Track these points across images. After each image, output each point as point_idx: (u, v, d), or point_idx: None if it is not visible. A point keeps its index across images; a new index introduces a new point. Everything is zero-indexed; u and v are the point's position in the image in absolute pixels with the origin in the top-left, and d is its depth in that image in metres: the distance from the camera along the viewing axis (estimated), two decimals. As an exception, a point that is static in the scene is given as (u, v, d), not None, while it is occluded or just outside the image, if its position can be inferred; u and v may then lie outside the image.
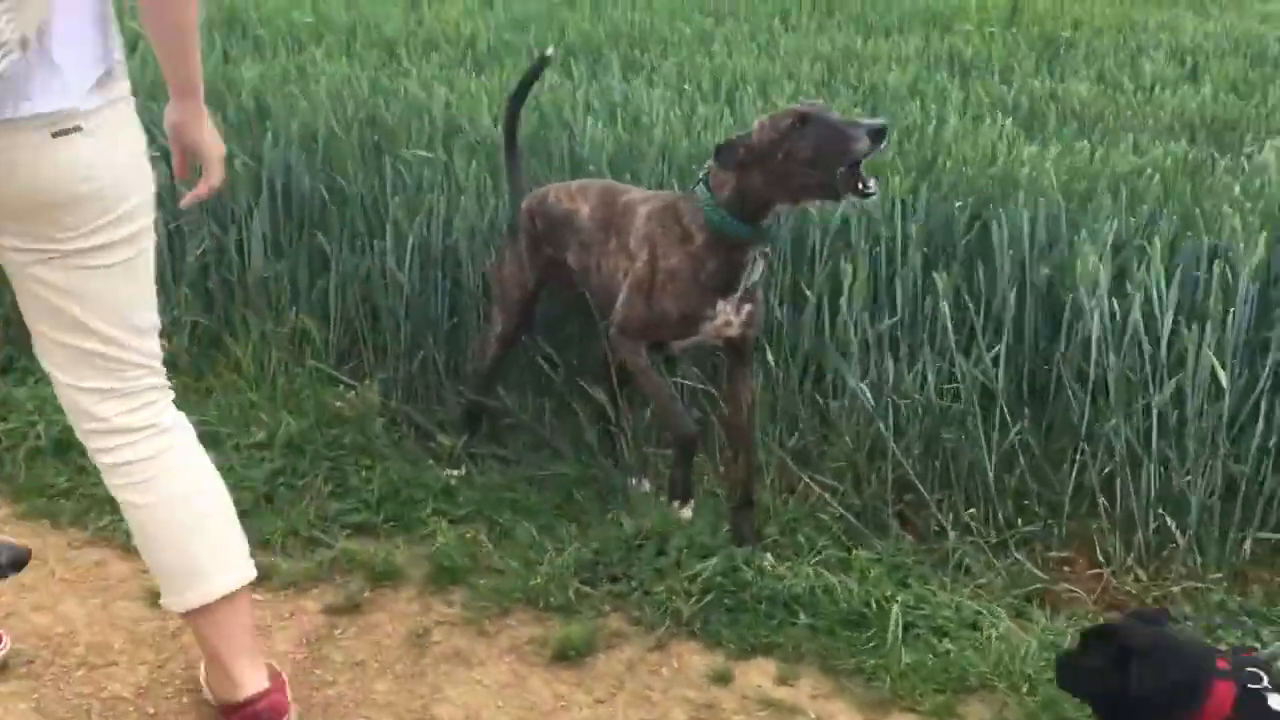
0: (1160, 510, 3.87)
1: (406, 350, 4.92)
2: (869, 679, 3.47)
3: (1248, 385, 3.89)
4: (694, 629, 3.68)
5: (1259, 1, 12.90)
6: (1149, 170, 4.82)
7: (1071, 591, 3.90)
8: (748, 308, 3.81)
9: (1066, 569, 4.03)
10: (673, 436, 4.12)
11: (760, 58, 8.16)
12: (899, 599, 3.67)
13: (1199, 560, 3.82)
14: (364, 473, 4.39)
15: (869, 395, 4.07)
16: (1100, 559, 3.96)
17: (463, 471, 4.52)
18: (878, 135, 3.44)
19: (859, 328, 4.13)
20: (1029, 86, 7.40)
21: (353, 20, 9.32)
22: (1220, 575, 3.77)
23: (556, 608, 3.75)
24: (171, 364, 5.01)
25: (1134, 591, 3.86)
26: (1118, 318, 3.95)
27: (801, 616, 3.67)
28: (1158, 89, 7.53)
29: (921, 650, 3.54)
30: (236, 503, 3.91)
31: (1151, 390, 3.86)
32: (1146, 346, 3.91)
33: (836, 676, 3.49)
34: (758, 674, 3.52)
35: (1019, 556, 4.02)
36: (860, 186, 3.50)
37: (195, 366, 5.04)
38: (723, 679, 3.49)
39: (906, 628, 3.59)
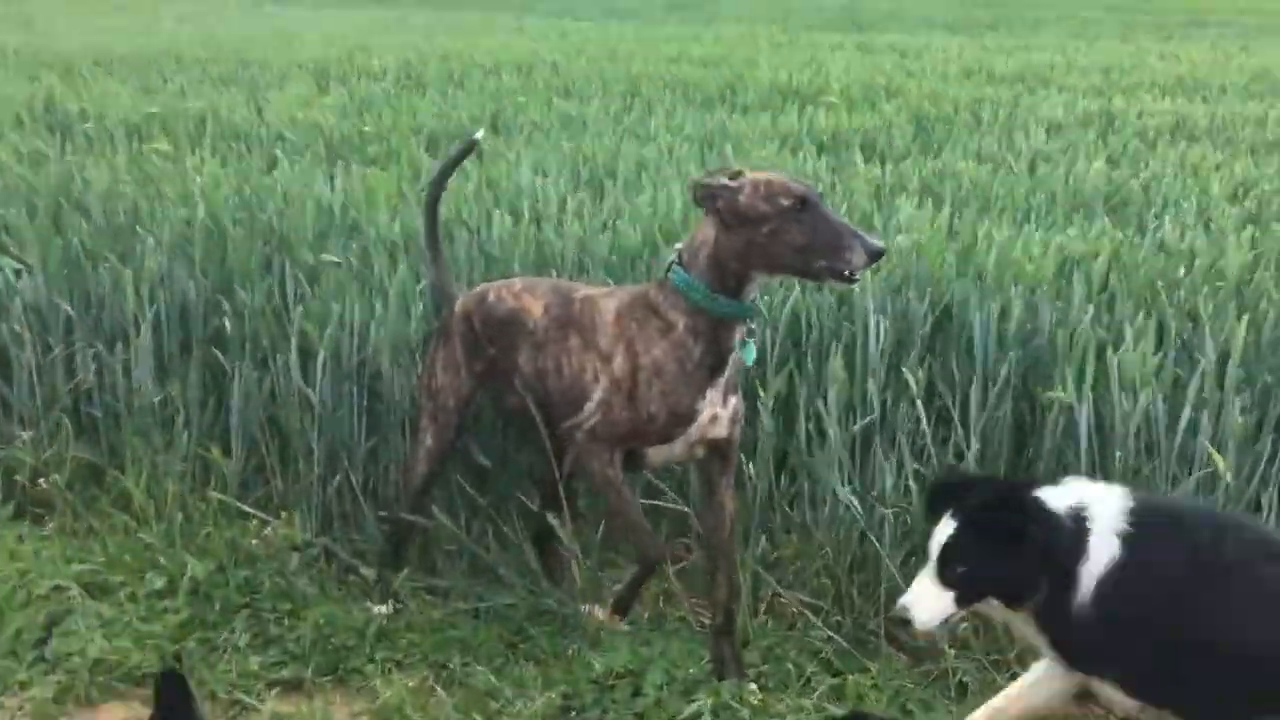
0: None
1: (321, 476, 4.39)
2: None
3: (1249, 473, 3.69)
4: (691, 779, 3.23)
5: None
6: (1098, 254, 4.66)
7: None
8: (733, 401, 3.48)
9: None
10: (640, 558, 3.71)
11: (626, 140, 7.88)
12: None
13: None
14: (286, 619, 3.83)
15: (857, 504, 3.72)
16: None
17: (391, 609, 3.99)
18: (875, 256, 3.23)
19: (842, 428, 3.79)
20: (919, 165, 7.25)
21: (201, 110, 8.80)
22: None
23: (532, 767, 3.25)
24: (48, 504, 4.48)
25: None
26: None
27: (809, 760, 3.25)
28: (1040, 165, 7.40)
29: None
30: (137, 665, 3.37)
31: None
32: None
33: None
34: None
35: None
36: (847, 274, 3.24)
37: (75, 506, 4.40)
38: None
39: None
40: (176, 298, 4.71)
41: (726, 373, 3.42)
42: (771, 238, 3.21)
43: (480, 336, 3.85)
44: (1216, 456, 3.57)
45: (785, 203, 3.20)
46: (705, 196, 3.30)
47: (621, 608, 3.87)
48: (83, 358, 4.66)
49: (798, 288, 4.27)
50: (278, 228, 5.10)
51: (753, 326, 3.53)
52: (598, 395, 3.46)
